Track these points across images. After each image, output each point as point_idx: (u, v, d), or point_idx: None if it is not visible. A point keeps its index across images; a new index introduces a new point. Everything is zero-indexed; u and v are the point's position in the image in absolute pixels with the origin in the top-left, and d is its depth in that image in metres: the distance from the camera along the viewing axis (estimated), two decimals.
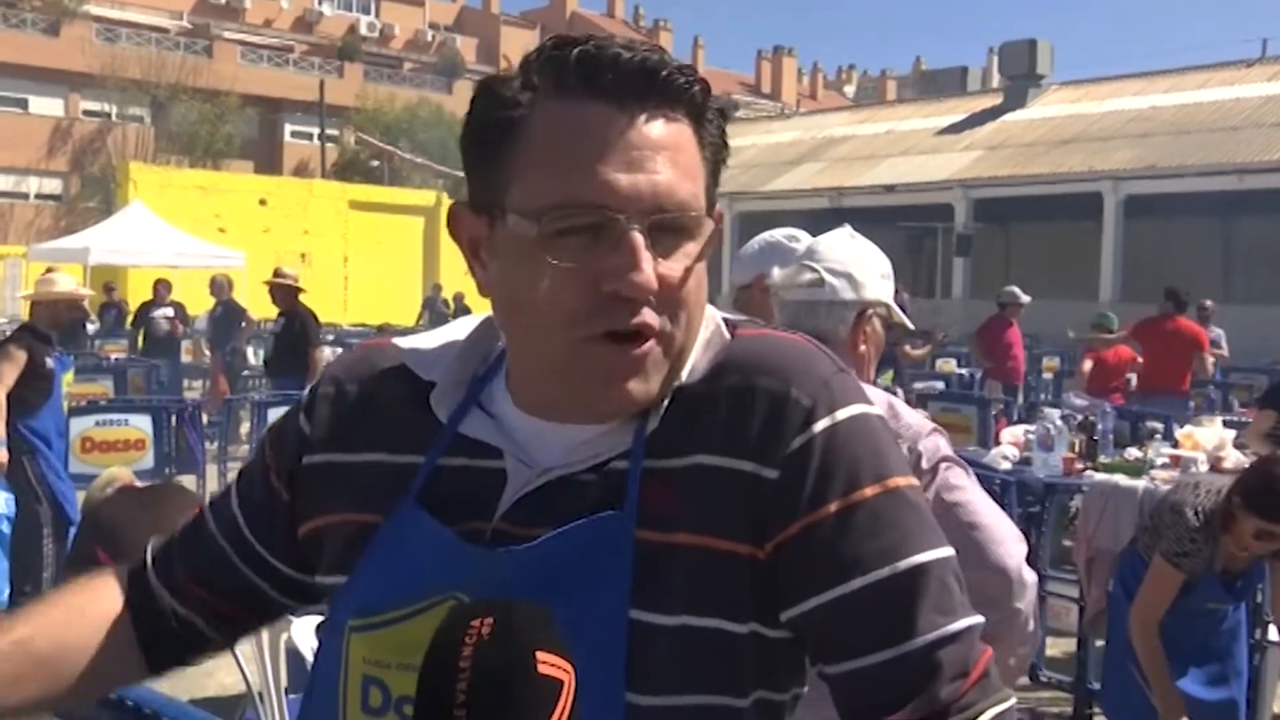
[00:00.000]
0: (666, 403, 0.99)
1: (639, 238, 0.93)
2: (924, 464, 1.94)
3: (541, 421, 1.01)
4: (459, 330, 1.11)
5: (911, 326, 2.41)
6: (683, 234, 0.96)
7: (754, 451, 0.96)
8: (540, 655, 0.80)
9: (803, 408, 0.97)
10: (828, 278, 2.18)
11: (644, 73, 0.94)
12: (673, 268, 0.96)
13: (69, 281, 6.77)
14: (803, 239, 2.59)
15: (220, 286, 13.63)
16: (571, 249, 0.93)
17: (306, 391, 1.15)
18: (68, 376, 6.84)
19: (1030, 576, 1.96)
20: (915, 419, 2.05)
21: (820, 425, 0.96)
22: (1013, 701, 0.96)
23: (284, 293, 9.66)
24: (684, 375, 1.00)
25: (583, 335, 0.94)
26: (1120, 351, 9.74)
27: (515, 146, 0.95)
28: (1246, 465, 5.33)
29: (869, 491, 0.96)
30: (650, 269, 0.93)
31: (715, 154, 1.01)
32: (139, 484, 4.78)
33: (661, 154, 0.94)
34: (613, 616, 0.92)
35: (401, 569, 0.98)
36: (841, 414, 0.97)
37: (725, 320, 1.05)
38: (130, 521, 4.67)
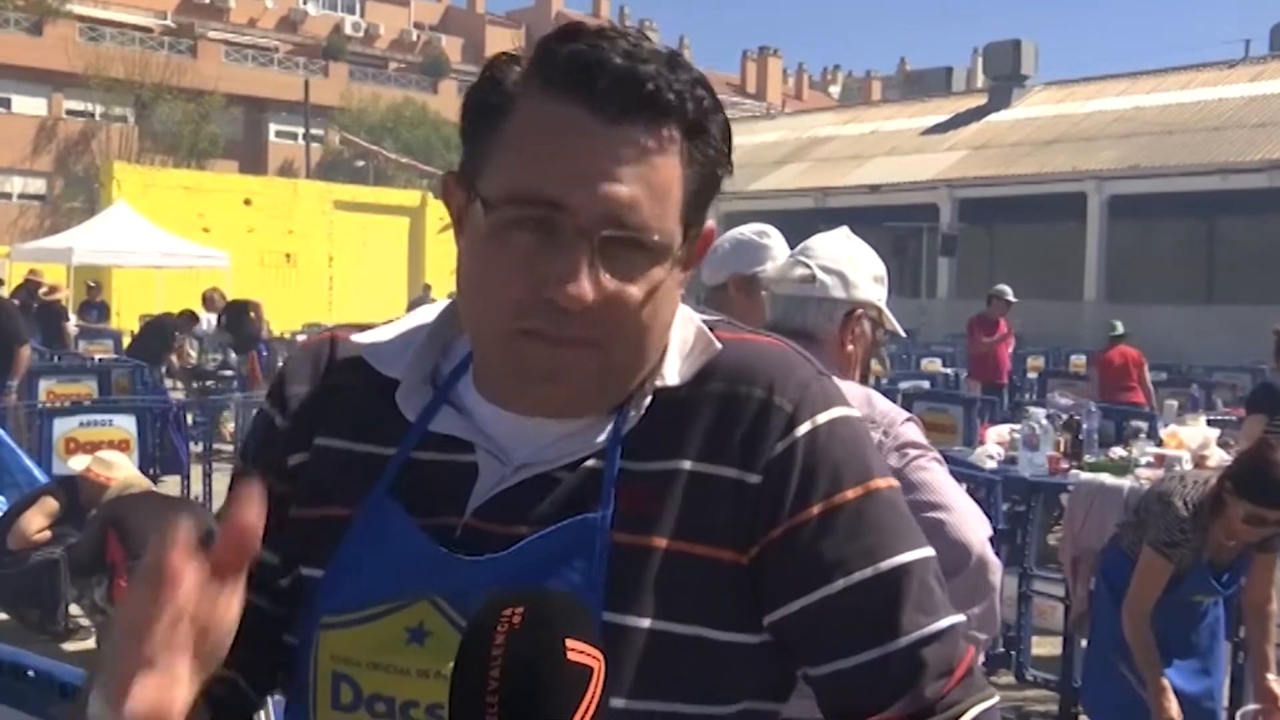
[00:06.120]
0: (646, 404, 0.98)
1: (581, 247, 0.90)
2: (893, 448, 1.96)
3: (508, 413, 1.00)
4: (417, 320, 1.08)
5: (902, 331, 2.42)
6: (642, 256, 0.93)
7: (737, 457, 0.96)
8: (570, 643, 0.80)
9: (784, 413, 0.97)
10: (819, 274, 2.19)
11: (632, 83, 0.90)
12: (624, 289, 0.92)
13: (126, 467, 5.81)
14: (772, 235, 2.59)
15: (211, 300, 13.64)
16: (520, 246, 0.92)
17: (271, 387, 1.10)
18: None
19: (994, 559, 1.96)
20: (890, 407, 2.08)
21: (802, 430, 0.97)
22: (996, 699, 0.97)
23: None
24: (665, 378, 0.98)
25: (519, 328, 0.93)
26: (1126, 351, 9.72)
27: (494, 132, 0.95)
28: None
29: (850, 494, 0.96)
30: (589, 282, 0.90)
31: (709, 171, 0.96)
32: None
33: (631, 168, 0.91)
34: None
35: (374, 567, 0.97)
36: (822, 418, 0.98)
37: (704, 322, 1.03)
38: (144, 520, 4.88)
